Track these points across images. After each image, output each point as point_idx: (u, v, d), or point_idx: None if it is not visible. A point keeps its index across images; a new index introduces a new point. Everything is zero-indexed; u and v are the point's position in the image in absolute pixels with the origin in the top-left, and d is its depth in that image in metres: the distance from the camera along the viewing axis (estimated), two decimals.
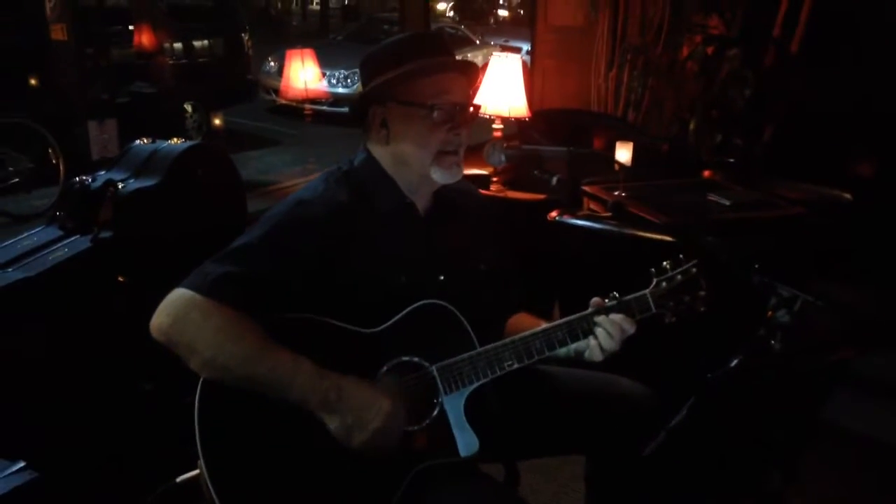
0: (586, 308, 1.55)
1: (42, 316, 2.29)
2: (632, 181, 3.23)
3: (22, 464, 1.61)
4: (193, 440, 1.39)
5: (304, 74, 4.69)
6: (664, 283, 1.54)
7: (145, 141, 2.77)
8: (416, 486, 1.44)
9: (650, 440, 1.53)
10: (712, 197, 3.20)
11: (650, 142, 4.42)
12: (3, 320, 2.20)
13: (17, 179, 5.62)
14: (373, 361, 1.48)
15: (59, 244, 2.45)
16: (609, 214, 2.72)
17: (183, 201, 2.66)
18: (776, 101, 4.41)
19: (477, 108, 1.66)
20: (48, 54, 5.80)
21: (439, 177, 1.58)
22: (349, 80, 9.81)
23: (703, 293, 1.54)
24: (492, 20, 23.90)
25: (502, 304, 1.76)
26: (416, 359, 1.49)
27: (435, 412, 1.48)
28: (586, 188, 3.27)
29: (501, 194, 3.57)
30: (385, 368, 1.48)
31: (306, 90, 4.70)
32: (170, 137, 2.84)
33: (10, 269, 2.32)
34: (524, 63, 3.83)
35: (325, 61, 8.50)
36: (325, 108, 9.21)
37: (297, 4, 34.33)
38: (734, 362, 1.38)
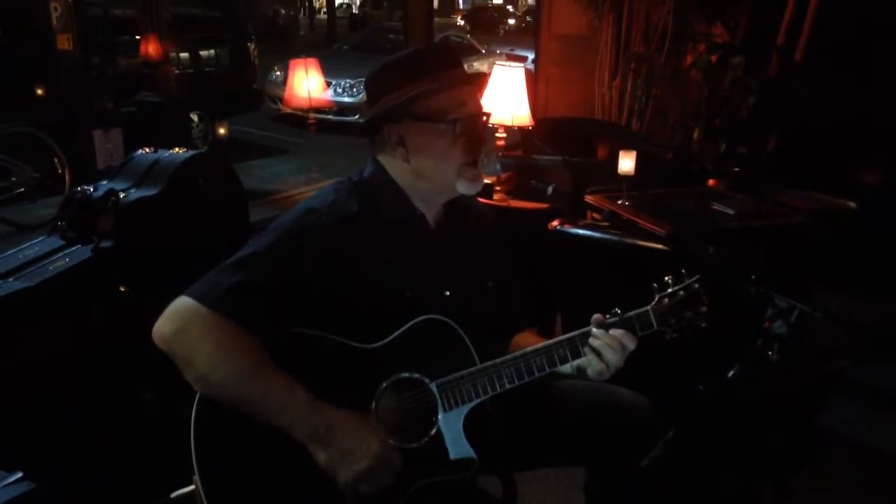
0: (588, 318, 1.55)
1: (43, 325, 2.29)
2: (635, 190, 3.22)
3: (19, 474, 1.60)
4: (189, 453, 1.39)
5: (307, 84, 4.71)
6: (666, 300, 1.53)
7: (147, 150, 2.77)
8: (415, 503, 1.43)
9: (649, 452, 1.52)
10: (716, 206, 3.19)
11: (654, 150, 4.41)
12: (4, 330, 2.20)
13: (22, 189, 5.63)
14: (372, 377, 1.47)
15: (61, 254, 2.45)
16: (607, 224, 2.71)
17: (184, 211, 2.66)
18: (780, 109, 4.40)
19: (488, 115, 1.66)
20: (54, 64, 5.82)
21: (464, 189, 1.58)
22: (354, 90, 9.83)
23: (704, 309, 1.52)
24: (501, 31, 24.03)
25: (506, 320, 1.76)
26: (415, 375, 1.48)
27: (434, 430, 1.47)
28: (589, 197, 3.26)
29: (504, 203, 3.57)
30: (384, 385, 1.47)
31: (310, 99, 4.72)
32: (173, 147, 2.84)
33: (11, 279, 2.31)
34: (528, 71, 3.83)
35: (331, 71, 8.54)
36: (330, 117, 9.24)
37: (304, 14, 34.53)
38: (731, 373, 1.37)
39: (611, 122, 5.25)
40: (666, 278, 1.56)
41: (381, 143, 1.61)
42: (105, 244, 2.45)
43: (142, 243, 2.51)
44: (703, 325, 1.53)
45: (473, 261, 1.67)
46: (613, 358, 1.50)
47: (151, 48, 6.33)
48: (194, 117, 7.70)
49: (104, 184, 2.65)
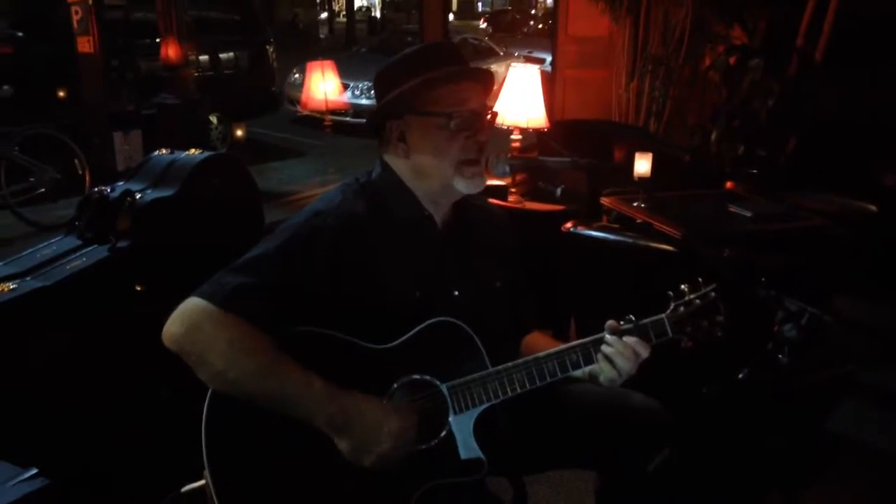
0: (602, 322, 1.54)
1: (60, 324, 2.31)
2: (653, 191, 3.20)
3: (34, 470, 1.62)
4: (199, 450, 1.40)
5: (324, 86, 4.72)
6: (682, 308, 1.53)
7: (164, 152, 2.80)
8: None
9: (658, 455, 1.51)
10: (733, 208, 3.16)
11: (672, 152, 4.38)
12: (22, 328, 2.23)
13: (43, 189, 5.70)
14: (384, 378, 1.47)
15: (78, 253, 2.48)
16: (618, 226, 2.70)
17: (200, 211, 2.68)
18: (799, 111, 4.36)
19: (494, 114, 1.65)
20: (75, 66, 5.89)
21: (463, 187, 1.57)
22: (372, 92, 9.80)
23: (721, 318, 1.51)
24: (520, 33, 24.12)
25: (516, 321, 1.75)
26: (427, 377, 1.48)
27: (444, 432, 1.47)
28: (604, 199, 3.24)
29: (519, 205, 3.56)
30: (396, 386, 1.47)
31: (326, 101, 4.73)
32: (189, 149, 2.86)
33: (28, 278, 2.35)
34: (545, 73, 3.82)
35: (348, 73, 8.56)
36: (347, 119, 9.26)
37: (327, 15, 34.61)
38: (741, 376, 1.36)
39: (628, 123, 5.22)
40: (682, 286, 1.54)
41: (386, 141, 1.61)
42: (121, 244, 2.48)
43: (158, 243, 2.53)
44: (720, 334, 1.51)
45: (482, 261, 1.66)
46: (626, 366, 1.49)
47: (171, 51, 6.35)
48: (213, 119, 7.76)
49: (121, 184, 2.68)
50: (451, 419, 1.47)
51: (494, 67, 12.20)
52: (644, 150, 3.33)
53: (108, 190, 2.61)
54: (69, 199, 5.70)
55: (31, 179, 5.65)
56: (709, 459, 1.78)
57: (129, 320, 2.41)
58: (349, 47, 18.89)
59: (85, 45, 5.68)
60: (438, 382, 1.48)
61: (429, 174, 1.58)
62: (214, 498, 1.37)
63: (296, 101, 9.71)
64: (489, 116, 1.61)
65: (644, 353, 1.49)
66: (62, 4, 5.79)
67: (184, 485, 1.52)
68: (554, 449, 1.70)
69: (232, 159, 3.03)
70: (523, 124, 3.62)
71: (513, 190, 3.61)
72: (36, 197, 5.70)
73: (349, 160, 8.24)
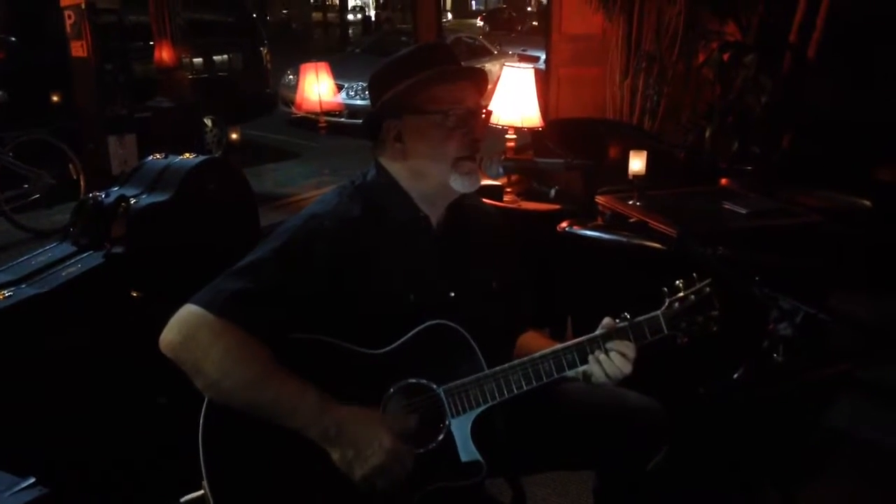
0: (598, 321, 1.54)
1: (55, 331, 2.30)
2: (647, 190, 3.21)
3: (32, 479, 1.61)
4: (198, 458, 1.40)
5: (318, 88, 4.72)
6: (677, 304, 1.53)
7: (158, 156, 2.79)
8: None
9: (657, 454, 1.51)
10: (728, 205, 3.17)
11: (666, 149, 4.39)
12: (18, 336, 2.22)
13: (38, 195, 5.69)
14: (380, 383, 1.47)
15: (73, 260, 2.46)
16: (610, 225, 2.70)
17: (195, 216, 2.67)
18: (793, 107, 4.36)
19: (489, 113, 1.66)
20: (69, 71, 5.88)
21: (459, 185, 1.57)
22: (366, 93, 9.75)
23: (715, 313, 1.52)
24: (519, 28, 24.19)
25: (512, 322, 1.75)
26: (423, 381, 1.48)
27: (441, 435, 1.47)
28: (599, 198, 3.25)
29: (515, 205, 3.56)
30: (392, 390, 1.47)
31: (321, 103, 4.73)
32: (184, 152, 2.86)
33: (23, 285, 2.34)
34: (539, 72, 3.82)
35: (342, 74, 8.56)
36: (342, 120, 9.24)
37: (322, 16, 34.52)
38: (736, 375, 1.36)
39: (622, 121, 5.23)
40: (677, 282, 1.55)
41: (382, 143, 1.62)
42: (116, 250, 2.47)
43: (153, 248, 2.52)
44: (715, 329, 1.52)
45: (478, 262, 1.67)
46: (613, 370, 1.50)
47: (165, 54, 6.34)
48: (208, 122, 7.75)
49: (115, 190, 2.67)
50: (448, 422, 1.47)
51: (488, 66, 12.18)
52: (638, 147, 3.34)
53: (103, 196, 2.60)
54: (64, 204, 5.70)
55: (26, 186, 5.63)
56: (706, 458, 1.79)
57: (125, 327, 2.40)
58: (343, 48, 18.87)
59: (78, 49, 5.66)
60: (435, 386, 1.48)
61: (425, 174, 1.58)
62: None
63: (290, 103, 9.68)
64: (483, 115, 1.62)
65: (630, 353, 1.50)
66: (55, 9, 5.78)
67: (183, 495, 1.52)
68: (552, 449, 1.71)
69: (227, 163, 3.03)
70: (518, 124, 3.62)
71: (508, 190, 3.61)
72: (30, 203, 5.68)
73: (344, 161, 8.24)
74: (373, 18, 31.57)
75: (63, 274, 2.39)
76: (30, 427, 2.11)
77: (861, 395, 2.92)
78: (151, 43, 6.60)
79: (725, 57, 4.47)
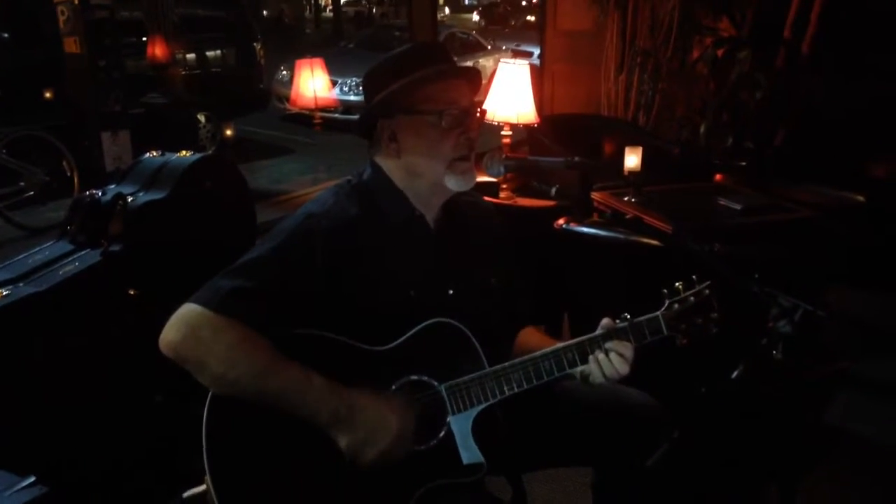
0: (596, 317, 1.55)
1: (53, 330, 2.30)
2: (643, 186, 3.22)
3: (32, 479, 1.62)
4: (200, 454, 1.40)
5: (313, 84, 4.72)
6: (676, 305, 1.54)
7: (155, 154, 2.79)
8: None
9: (656, 451, 1.53)
10: (723, 201, 3.18)
11: (661, 145, 4.41)
12: (16, 334, 2.22)
13: (31, 192, 5.67)
14: (382, 380, 1.48)
15: (70, 258, 2.46)
16: (610, 222, 2.71)
17: (192, 213, 2.67)
18: (787, 103, 4.39)
19: (483, 112, 1.66)
20: (62, 67, 5.86)
21: (454, 184, 1.57)
22: (360, 88, 9.75)
23: (715, 315, 1.53)
24: (512, 23, 24.27)
25: (511, 318, 1.76)
26: (424, 378, 1.49)
27: (442, 432, 1.48)
28: (595, 194, 3.26)
29: (510, 202, 3.57)
30: (394, 387, 1.48)
31: (316, 99, 4.73)
32: (181, 149, 2.86)
33: (21, 284, 2.34)
34: (534, 67, 3.82)
35: (336, 69, 8.54)
36: (336, 115, 9.24)
37: (310, 12, 34.51)
38: (735, 372, 1.37)
39: (617, 117, 5.24)
40: (677, 284, 1.56)
41: (377, 141, 1.62)
42: (114, 248, 2.47)
43: (150, 246, 2.53)
44: (715, 330, 1.53)
45: (476, 259, 1.67)
46: (611, 370, 1.50)
47: (158, 50, 6.33)
48: (201, 118, 7.73)
49: (112, 188, 2.67)
50: (449, 419, 1.48)
51: (482, 61, 12.22)
52: (633, 143, 3.35)
53: (100, 193, 2.60)
54: (58, 200, 5.69)
55: (20, 183, 5.62)
56: (705, 454, 1.80)
57: (122, 324, 2.41)
58: (336, 42, 18.84)
59: (71, 45, 5.63)
60: (436, 383, 1.49)
61: (420, 173, 1.58)
62: (216, 502, 1.38)
63: (284, 99, 9.69)
64: (478, 113, 1.62)
65: (627, 353, 1.51)
66: (48, 4, 5.75)
67: (184, 490, 1.53)
68: (552, 446, 1.72)
69: (223, 160, 3.02)
70: (513, 120, 3.63)
71: (504, 186, 3.62)
72: (24, 200, 5.66)
73: (339, 157, 8.23)
74: (365, 13, 31.56)
75: (60, 272, 2.39)
76: (29, 426, 2.11)
77: (857, 391, 2.94)
78: (144, 39, 6.60)
79: (720, 53, 4.49)
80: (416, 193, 1.61)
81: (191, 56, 8.04)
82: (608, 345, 1.51)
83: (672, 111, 5.10)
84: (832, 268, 2.96)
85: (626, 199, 3.17)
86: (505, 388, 1.50)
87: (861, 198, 3.56)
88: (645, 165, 3.29)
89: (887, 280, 3.58)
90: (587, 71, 5.57)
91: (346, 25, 27.09)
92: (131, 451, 2.26)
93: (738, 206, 3.10)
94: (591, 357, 1.51)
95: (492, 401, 1.50)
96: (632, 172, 3.23)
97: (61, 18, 5.64)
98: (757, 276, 1.35)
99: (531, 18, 23.20)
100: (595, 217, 3.07)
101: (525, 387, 1.50)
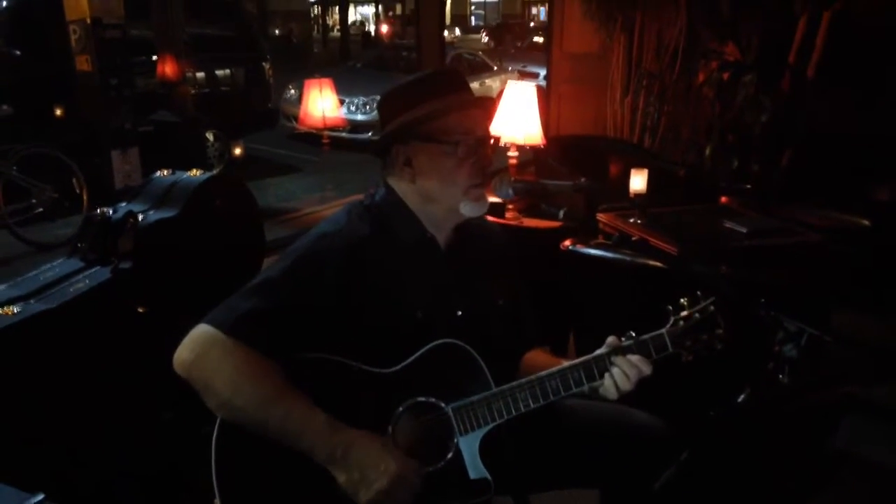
0: (601, 340, 1.56)
1: (63, 347, 2.32)
2: (647, 207, 3.23)
3: (41, 496, 1.63)
4: (210, 475, 1.41)
5: (322, 104, 4.76)
6: (681, 322, 1.55)
7: (165, 173, 2.82)
8: None
9: (662, 474, 1.53)
10: (728, 224, 3.19)
11: (666, 167, 4.43)
12: (27, 352, 2.24)
13: (41, 209, 5.70)
14: (389, 402, 1.49)
15: (81, 275, 2.48)
16: (616, 244, 2.73)
17: (202, 231, 2.69)
18: (792, 126, 4.41)
19: (497, 140, 1.69)
20: (73, 85, 5.92)
21: (468, 210, 1.60)
22: (367, 107, 9.89)
23: (720, 331, 1.53)
24: (518, 45, 24.46)
25: (519, 339, 1.77)
26: (431, 399, 1.50)
27: (450, 453, 1.49)
28: (600, 216, 3.27)
29: (516, 222, 3.58)
30: (401, 409, 1.49)
31: (324, 119, 4.77)
32: (191, 167, 2.88)
33: (32, 301, 2.35)
34: (540, 89, 3.85)
35: (343, 88, 8.60)
36: (343, 134, 9.28)
37: (318, 32, 34.79)
38: (742, 396, 1.38)
39: (623, 139, 5.27)
40: (681, 300, 1.57)
41: (391, 164, 1.64)
42: (124, 265, 2.49)
43: (160, 264, 2.54)
44: (719, 347, 1.54)
45: (484, 280, 1.69)
46: (627, 383, 1.51)
47: (168, 68, 6.41)
48: (210, 136, 7.78)
49: (123, 206, 2.69)
50: (457, 440, 1.49)
51: (489, 82, 12.29)
52: (639, 165, 3.37)
53: (111, 211, 2.62)
54: (67, 218, 5.72)
55: (34, 200, 5.65)
56: (713, 477, 1.80)
57: (132, 342, 2.42)
58: (343, 62, 18.98)
59: (83, 63, 5.70)
60: (444, 404, 1.50)
61: (435, 198, 1.60)
62: None
63: (292, 118, 9.76)
64: (492, 142, 1.65)
65: (646, 370, 1.52)
66: (60, 23, 5.82)
67: None
68: (559, 467, 1.72)
69: (234, 179, 3.05)
70: (520, 141, 3.65)
71: (510, 207, 3.63)
72: (34, 216, 5.69)
73: (347, 175, 8.26)
74: (370, 33, 31.81)
75: (71, 289, 2.40)
76: (39, 443, 2.12)
77: (864, 414, 2.93)
78: (154, 57, 6.67)
79: (725, 76, 4.52)
80: (429, 217, 1.63)
81: (200, 75, 8.09)
82: (615, 359, 1.51)
83: (678, 133, 5.13)
84: (838, 291, 2.96)
85: (631, 220, 3.18)
86: (512, 408, 1.50)
87: (866, 221, 3.56)
88: (650, 187, 3.30)
89: (894, 302, 3.57)
90: (593, 93, 5.61)
91: (352, 46, 27.27)
92: (140, 468, 2.26)
93: (743, 229, 3.11)
94: (606, 374, 1.52)
95: (499, 421, 1.50)
96: (637, 194, 3.25)
97: (73, 37, 5.71)
98: (763, 300, 1.36)
99: (538, 40, 23.33)
100: (600, 238, 3.08)
101: (532, 406, 1.51)
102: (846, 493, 2.58)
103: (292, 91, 10.53)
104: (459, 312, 1.62)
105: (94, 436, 2.21)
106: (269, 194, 7.47)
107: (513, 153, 3.67)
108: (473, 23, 40.54)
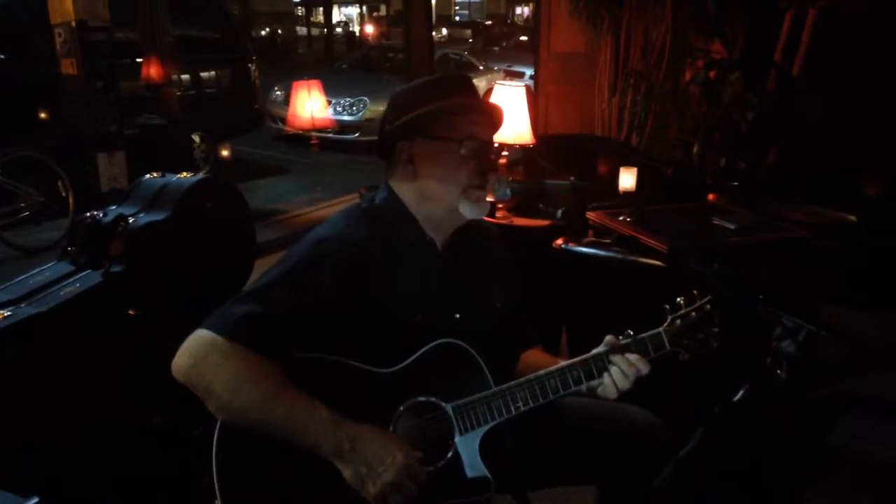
0: (594, 335, 1.57)
1: (54, 351, 2.31)
2: (638, 205, 3.25)
3: (36, 499, 1.62)
4: (210, 479, 1.41)
5: (310, 105, 4.75)
6: (678, 321, 1.56)
7: (155, 175, 2.80)
8: None
9: (660, 471, 1.54)
10: (717, 221, 3.22)
11: (654, 166, 4.45)
12: (18, 356, 2.22)
13: (27, 213, 5.66)
14: (389, 401, 1.49)
15: (71, 279, 2.46)
16: (608, 241, 2.75)
17: (192, 234, 2.68)
18: (779, 123, 4.44)
19: (501, 148, 1.70)
20: (58, 88, 5.87)
21: (467, 211, 1.60)
22: (354, 108, 9.88)
23: (717, 330, 1.55)
24: (503, 44, 24.48)
25: (517, 340, 1.78)
26: (432, 399, 1.50)
27: (450, 452, 1.49)
28: (590, 214, 3.29)
29: (507, 221, 3.59)
30: (401, 409, 1.49)
31: (313, 120, 4.76)
32: (179, 169, 2.87)
33: (22, 305, 2.34)
34: (528, 89, 3.87)
35: (330, 89, 8.56)
36: (330, 135, 9.26)
37: (304, 28, 34.58)
38: (741, 393, 1.39)
39: (610, 138, 5.29)
40: (678, 299, 1.58)
41: (394, 164, 1.65)
42: (115, 269, 2.47)
43: (151, 267, 2.53)
44: (716, 345, 1.55)
45: (482, 282, 1.69)
46: (626, 381, 1.52)
47: (153, 71, 6.37)
48: (196, 138, 7.74)
49: (113, 209, 2.68)
50: (457, 440, 1.49)
51: (475, 81, 12.25)
52: (627, 164, 3.39)
53: (101, 214, 2.61)
54: (52, 221, 5.68)
55: (21, 204, 5.60)
56: (711, 475, 1.82)
57: (123, 345, 2.41)
58: (329, 63, 18.93)
59: (68, 66, 5.65)
60: (444, 403, 1.50)
61: (434, 198, 1.61)
62: None
63: (278, 119, 9.73)
64: (494, 149, 1.66)
65: (644, 369, 1.53)
66: (44, 26, 5.77)
67: None
68: (557, 464, 1.73)
69: (224, 181, 3.04)
70: (510, 141, 3.66)
71: (500, 206, 3.64)
72: (19, 220, 5.64)
73: (334, 177, 8.24)
74: (355, 33, 31.75)
75: (62, 293, 2.39)
76: (32, 446, 2.11)
77: (860, 410, 2.95)
78: (139, 60, 6.63)
79: (712, 74, 4.55)
80: (428, 218, 1.63)
81: (185, 77, 8.05)
82: (613, 357, 1.52)
83: (665, 132, 5.16)
84: (827, 286, 2.99)
85: (620, 218, 3.20)
86: (511, 407, 1.51)
87: (853, 217, 3.60)
88: (638, 186, 3.32)
89: (881, 298, 3.61)
90: (580, 92, 5.63)
91: (337, 46, 27.21)
92: (132, 470, 2.25)
93: (732, 226, 3.13)
94: (605, 373, 1.53)
95: (498, 420, 1.51)
96: (627, 192, 3.27)
97: (58, 40, 5.66)
98: (760, 296, 1.38)
99: (524, 39, 23.35)
100: (591, 235, 3.10)
101: (531, 405, 1.52)
102: (843, 488, 2.60)
103: (278, 92, 10.50)
104: (457, 315, 1.62)
105: (86, 439, 2.20)
106: (257, 196, 7.43)
107: (503, 153, 3.68)
108: (458, 20, 40.45)
